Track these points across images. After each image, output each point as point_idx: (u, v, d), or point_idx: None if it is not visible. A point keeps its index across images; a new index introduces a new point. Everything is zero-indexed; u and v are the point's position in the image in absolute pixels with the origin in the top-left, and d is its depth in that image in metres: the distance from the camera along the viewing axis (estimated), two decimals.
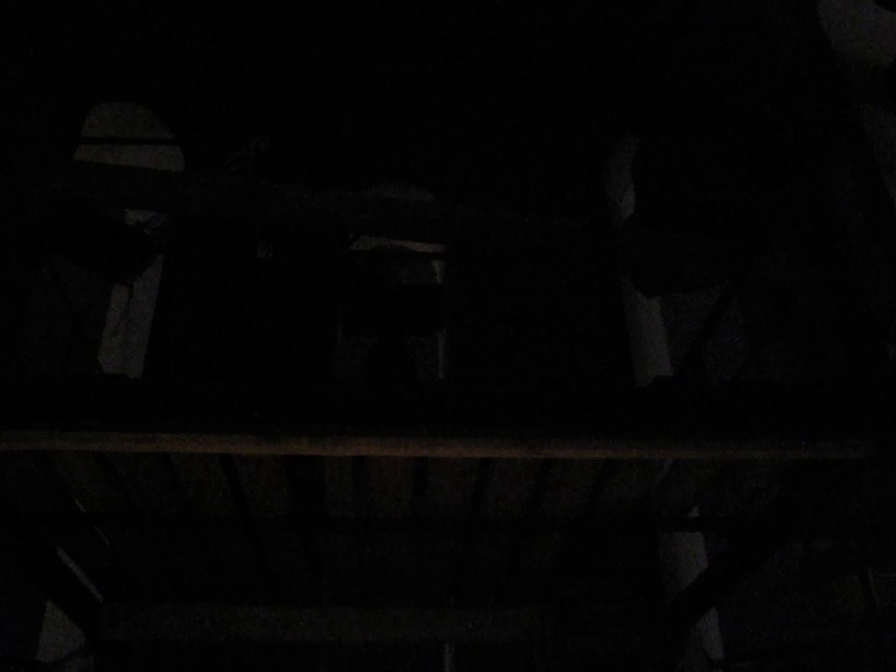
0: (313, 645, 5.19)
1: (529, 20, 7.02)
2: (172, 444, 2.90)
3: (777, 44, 4.56)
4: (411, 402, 2.92)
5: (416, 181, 7.49)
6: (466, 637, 4.94)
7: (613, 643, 4.84)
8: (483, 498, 3.70)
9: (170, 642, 4.86)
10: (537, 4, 6.94)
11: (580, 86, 7.38)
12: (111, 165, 5.41)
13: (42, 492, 3.59)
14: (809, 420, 2.98)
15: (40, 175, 4.87)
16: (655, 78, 6.87)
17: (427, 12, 6.97)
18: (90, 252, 5.92)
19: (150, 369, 6.20)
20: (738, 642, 5.90)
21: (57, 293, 4.48)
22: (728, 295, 4.35)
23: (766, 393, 3.05)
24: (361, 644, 5.00)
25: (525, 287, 6.84)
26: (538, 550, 4.39)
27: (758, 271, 4.71)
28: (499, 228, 5.04)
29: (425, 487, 3.59)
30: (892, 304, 3.39)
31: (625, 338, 6.74)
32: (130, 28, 6.95)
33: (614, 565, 5.28)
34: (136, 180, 5.09)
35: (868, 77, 3.98)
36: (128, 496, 3.65)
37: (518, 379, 6.27)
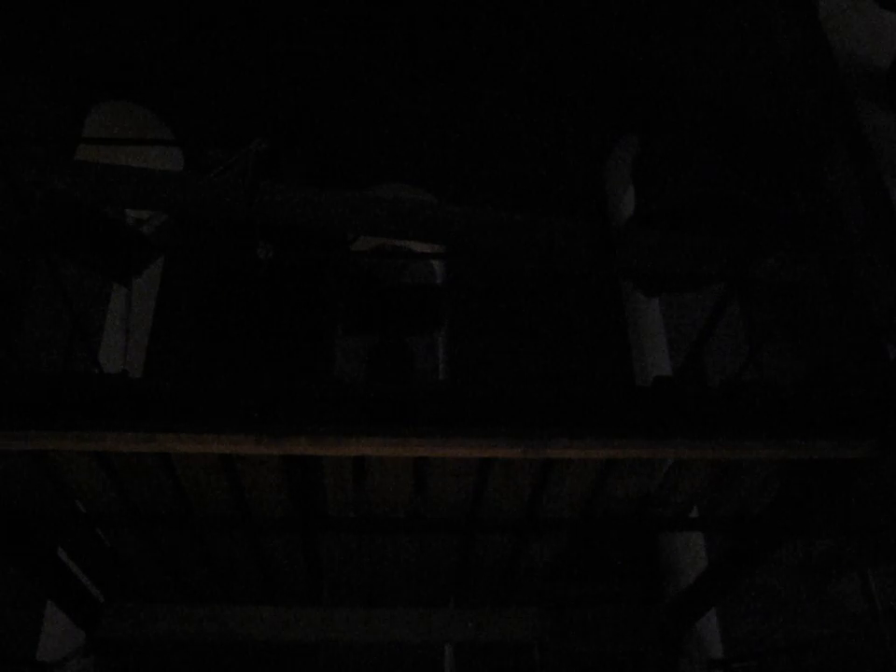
0: (313, 645, 5.20)
1: (530, 19, 7.02)
2: (172, 444, 2.89)
3: (776, 44, 4.56)
4: (411, 402, 2.92)
5: (416, 181, 7.49)
6: (466, 636, 4.94)
7: (613, 643, 4.84)
8: (483, 498, 3.70)
9: (170, 642, 4.86)
10: (537, 4, 6.94)
11: (580, 86, 7.38)
12: (111, 165, 5.38)
13: (42, 492, 3.59)
14: (809, 420, 2.98)
15: (40, 175, 4.86)
16: (655, 78, 6.87)
17: (427, 11, 6.97)
18: (90, 252, 5.91)
19: (150, 369, 6.20)
20: (738, 642, 5.89)
21: (57, 293, 4.48)
22: (728, 295, 4.36)
23: (766, 393, 3.05)
24: (361, 644, 5.00)
25: (525, 287, 6.84)
26: (538, 550, 4.38)
27: (758, 270, 4.71)
28: (499, 227, 5.04)
29: (425, 487, 3.59)
30: (892, 304, 3.39)
31: (625, 338, 6.74)
32: (130, 28, 6.95)
33: (614, 565, 5.28)
34: (136, 180, 5.08)
35: (868, 78, 3.98)
36: (128, 496, 3.65)
37: (518, 379, 6.27)
